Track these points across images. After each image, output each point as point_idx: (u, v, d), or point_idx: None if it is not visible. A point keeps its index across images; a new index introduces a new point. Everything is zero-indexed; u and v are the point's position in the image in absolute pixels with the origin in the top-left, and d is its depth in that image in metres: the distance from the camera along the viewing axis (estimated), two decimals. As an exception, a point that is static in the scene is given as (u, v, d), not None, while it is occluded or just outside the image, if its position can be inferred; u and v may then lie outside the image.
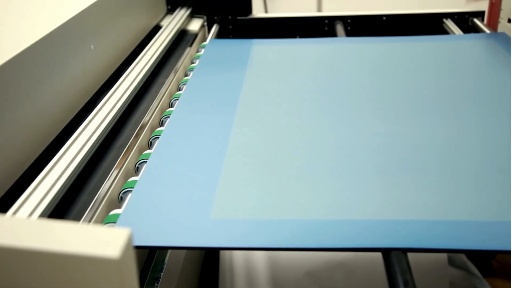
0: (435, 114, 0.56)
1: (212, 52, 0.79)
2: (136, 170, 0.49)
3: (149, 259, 0.53)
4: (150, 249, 0.50)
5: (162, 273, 0.51)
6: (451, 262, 1.06)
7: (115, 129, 0.54)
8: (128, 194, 0.44)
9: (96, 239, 0.22)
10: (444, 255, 0.76)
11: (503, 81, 0.64)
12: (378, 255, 0.73)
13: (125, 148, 0.50)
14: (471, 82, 0.65)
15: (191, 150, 0.50)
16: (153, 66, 0.70)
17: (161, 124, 0.57)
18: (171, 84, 0.69)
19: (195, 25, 0.94)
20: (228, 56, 0.78)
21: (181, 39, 0.87)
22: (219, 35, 0.97)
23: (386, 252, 0.36)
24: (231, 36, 0.98)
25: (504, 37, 0.79)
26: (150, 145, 0.53)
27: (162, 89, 0.65)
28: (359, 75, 0.68)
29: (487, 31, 0.86)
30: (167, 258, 0.53)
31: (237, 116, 0.57)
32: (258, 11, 1.87)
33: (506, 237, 0.37)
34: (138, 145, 0.54)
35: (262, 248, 0.37)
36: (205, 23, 0.98)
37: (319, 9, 1.83)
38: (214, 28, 0.93)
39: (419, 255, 0.72)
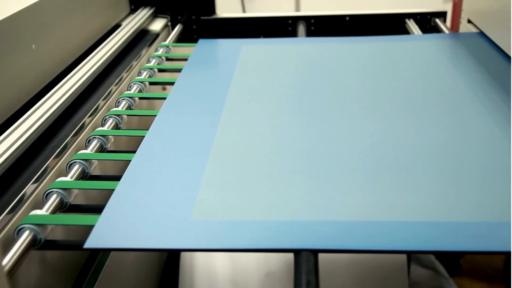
0: (416, 114, 0.56)
1: (201, 52, 0.79)
2: (68, 170, 0.48)
3: (91, 259, 0.53)
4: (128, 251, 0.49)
5: (100, 274, 0.51)
6: (419, 262, 1.06)
7: (52, 128, 0.54)
8: (53, 194, 0.43)
9: None
10: (403, 256, 0.76)
11: (475, 80, 0.64)
12: (340, 256, 0.74)
13: (59, 148, 0.50)
14: (445, 81, 0.65)
15: (175, 151, 0.50)
16: (104, 65, 0.70)
17: (103, 123, 0.57)
18: (123, 83, 0.69)
19: (157, 24, 0.94)
20: (217, 55, 0.77)
21: (141, 38, 0.86)
22: (183, 35, 0.96)
23: (297, 253, 0.36)
24: (195, 36, 0.98)
25: (471, 36, 0.80)
26: (87, 145, 0.52)
27: (111, 88, 0.65)
28: (348, 75, 0.68)
29: (446, 31, 0.87)
30: (108, 259, 0.53)
31: (223, 116, 0.57)
32: (236, 11, 1.88)
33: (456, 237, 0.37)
34: (76, 145, 0.53)
35: (241, 250, 0.37)
36: (169, 23, 0.98)
37: (298, 9, 1.83)
38: (177, 28, 0.93)
39: (378, 256, 0.72)
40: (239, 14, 0.98)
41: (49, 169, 0.47)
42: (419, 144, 0.50)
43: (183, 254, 0.74)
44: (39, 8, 0.60)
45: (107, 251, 0.51)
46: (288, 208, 0.41)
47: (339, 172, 0.46)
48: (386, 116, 0.56)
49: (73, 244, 0.46)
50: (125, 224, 0.39)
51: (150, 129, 0.54)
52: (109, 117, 0.57)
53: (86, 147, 0.52)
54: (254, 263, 0.72)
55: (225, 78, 0.68)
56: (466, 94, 0.60)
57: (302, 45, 0.80)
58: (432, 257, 1.03)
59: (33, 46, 0.58)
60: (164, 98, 0.75)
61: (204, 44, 0.82)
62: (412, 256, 0.98)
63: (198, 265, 0.74)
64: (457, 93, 0.61)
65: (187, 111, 0.58)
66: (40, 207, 0.43)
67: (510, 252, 0.35)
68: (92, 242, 0.38)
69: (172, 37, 0.88)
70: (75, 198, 0.51)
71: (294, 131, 0.54)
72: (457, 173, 0.45)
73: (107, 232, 0.39)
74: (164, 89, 0.92)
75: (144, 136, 0.53)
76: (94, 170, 0.56)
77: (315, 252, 0.36)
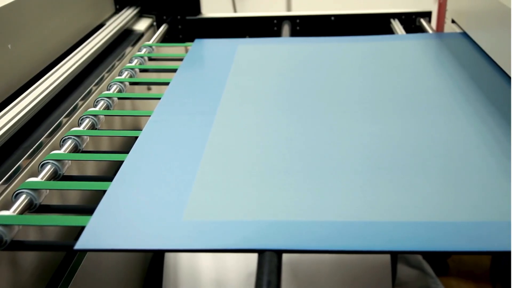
0: (403, 114, 0.56)
1: (196, 52, 0.79)
2: (39, 171, 0.48)
3: (67, 260, 0.53)
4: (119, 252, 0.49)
5: (75, 275, 0.51)
6: (406, 262, 1.06)
7: (27, 128, 0.54)
8: (22, 195, 0.43)
9: None
10: (387, 256, 0.76)
11: (455, 80, 0.64)
12: (323, 256, 0.74)
13: (32, 148, 0.50)
14: (428, 81, 0.65)
15: (168, 151, 0.50)
16: (85, 65, 0.70)
17: (79, 124, 0.57)
18: (103, 83, 0.69)
19: (142, 24, 0.93)
20: (213, 55, 0.77)
21: (125, 38, 0.86)
22: (168, 35, 0.96)
23: (261, 253, 0.35)
24: (180, 36, 0.98)
25: (454, 36, 0.80)
26: (61, 145, 0.52)
27: (90, 88, 0.65)
28: (342, 75, 0.68)
29: (430, 31, 0.87)
30: (83, 260, 0.53)
31: (217, 117, 0.57)
32: (227, 11, 1.87)
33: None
34: (51, 145, 0.53)
35: (229, 250, 0.37)
36: (154, 23, 0.97)
37: (289, 9, 1.83)
38: (162, 28, 0.93)
39: (362, 257, 0.72)
40: (224, 14, 0.98)
41: (20, 170, 0.47)
42: (407, 144, 0.50)
43: (167, 254, 0.74)
44: (15, 7, 0.60)
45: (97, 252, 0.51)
46: (277, 209, 0.41)
47: (331, 172, 0.46)
48: (377, 116, 0.56)
49: (61, 245, 0.46)
50: (117, 224, 0.39)
51: (144, 129, 0.54)
52: (86, 117, 0.57)
53: (60, 148, 0.52)
54: (238, 263, 0.72)
55: (220, 78, 0.68)
56: (449, 94, 0.60)
57: (298, 45, 0.80)
58: (420, 257, 1.03)
59: (9, 46, 0.58)
60: (146, 98, 0.75)
61: (199, 44, 0.82)
62: (399, 256, 0.98)
63: (182, 265, 0.74)
64: (440, 93, 0.61)
65: (182, 111, 0.58)
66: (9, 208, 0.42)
67: (509, 252, 0.34)
68: (83, 243, 0.37)
69: (157, 37, 0.88)
70: (52, 199, 0.51)
71: (287, 131, 0.54)
72: (447, 173, 0.45)
73: (99, 233, 0.38)
74: (149, 89, 0.92)
75: (123, 136, 0.53)
76: (72, 170, 0.56)
77: (278, 253, 0.35)
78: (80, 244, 0.37)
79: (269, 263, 0.34)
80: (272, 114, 0.58)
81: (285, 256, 0.70)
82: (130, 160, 0.48)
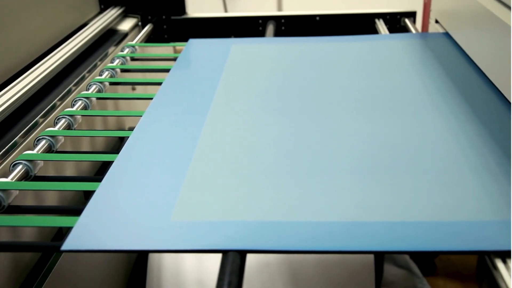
0: (390, 113, 0.56)
1: (190, 51, 0.79)
2: (11, 171, 0.48)
3: (43, 261, 0.52)
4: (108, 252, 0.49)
5: (48, 276, 0.51)
6: (393, 262, 1.06)
7: (1, 128, 0.53)
8: (-10, 195, 0.43)
9: None
10: (370, 256, 0.76)
11: (435, 80, 0.64)
12: (307, 257, 0.73)
13: (5, 148, 0.49)
14: (414, 81, 0.65)
15: (159, 151, 0.50)
16: (64, 64, 0.69)
17: (55, 124, 0.57)
18: (83, 83, 0.68)
19: (127, 24, 0.93)
20: (206, 55, 0.77)
21: (109, 38, 0.86)
22: (153, 35, 0.96)
23: (224, 253, 0.35)
24: (165, 36, 0.98)
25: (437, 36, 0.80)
26: (35, 146, 0.52)
27: (69, 87, 0.65)
28: (331, 74, 0.68)
29: (414, 31, 0.87)
30: (59, 261, 0.52)
31: (209, 117, 0.57)
32: (218, 11, 1.87)
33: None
34: (25, 145, 0.53)
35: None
36: (140, 23, 0.97)
37: (280, 9, 1.83)
38: (147, 28, 0.93)
39: (345, 257, 0.72)
40: (209, 14, 0.98)
41: (-9, 170, 0.47)
42: (395, 143, 0.50)
43: (151, 254, 0.74)
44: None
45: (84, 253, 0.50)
46: (265, 210, 0.41)
47: (321, 173, 0.46)
48: (365, 115, 0.56)
49: (45, 245, 0.46)
50: (104, 225, 0.39)
51: (135, 129, 0.54)
52: (62, 117, 0.57)
53: (34, 148, 0.52)
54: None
55: (213, 78, 0.68)
56: (433, 94, 0.60)
57: (292, 45, 0.80)
58: (407, 257, 1.03)
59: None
60: (128, 99, 0.75)
61: (193, 44, 0.82)
62: (386, 256, 0.98)
63: (165, 265, 0.73)
64: (422, 93, 0.61)
65: (173, 112, 0.58)
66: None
67: (509, 252, 0.34)
68: (70, 243, 0.37)
69: (141, 37, 0.88)
70: (27, 200, 0.51)
71: (279, 132, 0.53)
72: (437, 172, 0.45)
73: (86, 233, 0.38)
74: (133, 89, 0.92)
75: (98, 136, 0.52)
76: (49, 171, 0.55)
77: (242, 253, 0.35)
78: (67, 245, 0.37)
79: (231, 263, 0.34)
80: (264, 115, 0.57)
81: (269, 257, 0.70)
82: (120, 160, 0.48)
